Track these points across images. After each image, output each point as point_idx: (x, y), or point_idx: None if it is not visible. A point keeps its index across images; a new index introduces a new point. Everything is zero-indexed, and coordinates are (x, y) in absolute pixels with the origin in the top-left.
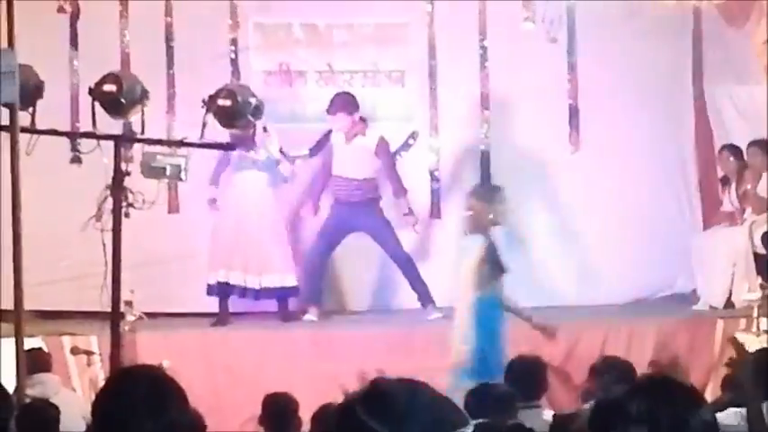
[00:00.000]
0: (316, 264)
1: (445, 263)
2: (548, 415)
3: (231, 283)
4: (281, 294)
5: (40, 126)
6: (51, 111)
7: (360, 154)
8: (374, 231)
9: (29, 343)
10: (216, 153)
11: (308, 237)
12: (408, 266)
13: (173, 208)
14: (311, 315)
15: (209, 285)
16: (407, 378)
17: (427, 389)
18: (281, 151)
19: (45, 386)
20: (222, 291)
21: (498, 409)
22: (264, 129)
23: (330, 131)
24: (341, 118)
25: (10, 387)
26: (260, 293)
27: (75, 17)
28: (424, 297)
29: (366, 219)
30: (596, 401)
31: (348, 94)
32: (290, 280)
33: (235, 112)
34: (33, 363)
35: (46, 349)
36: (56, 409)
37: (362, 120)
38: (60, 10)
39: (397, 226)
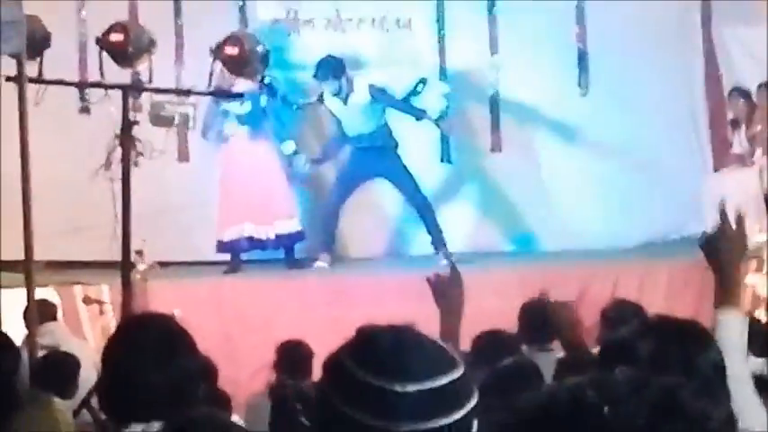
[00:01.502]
0: (330, 210)
1: (456, 208)
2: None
3: (243, 236)
4: (289, 241)
5: (48, 76)
6: (60, 61)
7: (360, 110)
8: (392, 176)
9: (39, 293)
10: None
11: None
12: (426, 211)
13: (183, 157)
14: (323, 262)
15: (219, 242)
16: (396, 324)
17: (418, 334)
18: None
19: (54, 335)
20: (234, 247)
21: (501, 353)
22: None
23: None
24: (330, 83)
25: (16, 338)
26: (270, 243)
27: None
28: (438, 242)
29: (383, 163)
30: (604, 341)
31: (333, 58)
32: (296, 225)
33: (242, 59)
34: (40, 312)
35: (57, 299)
36: (74, 359)
37: (349, 81)
38: None
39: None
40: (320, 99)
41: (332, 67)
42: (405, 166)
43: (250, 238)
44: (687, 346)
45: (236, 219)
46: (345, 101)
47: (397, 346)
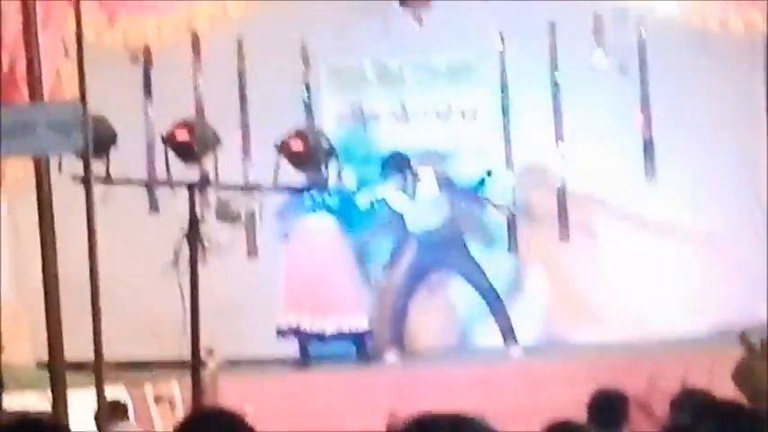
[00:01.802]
0: (400, 305)
1: (524, 299)
2: None
3: (302, 328)
4: (354, 337)
5: (116, 175)
6: (127, 160)
7: (428, 202)
8: (460, 267)
9: (110, 393)
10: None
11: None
12: (496, 302)
13: (252, 253)
14: (392, 356)
15: (278, 329)
16: (455, 412)
17: (473, 421)
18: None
19: None
20: (292, 335)
21: None
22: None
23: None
24: (396, 179)
25: None
26: (331, 338)
27: (148, 66)
28: (507, 334)
29: (451, 255)
30: (667, 426)
31: (399, 153)
32: (363, 323)
33: (307, 154)
34: (111, 412)
35: (128, 399)
36: None
37: (415, 176)
38: (133, 60)
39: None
40: (385, 196)
41: (397, 163)
42: (473, 257)
43: (310, 331)
44: (745, 428)
45: (301, 306)
46: (412, 196)
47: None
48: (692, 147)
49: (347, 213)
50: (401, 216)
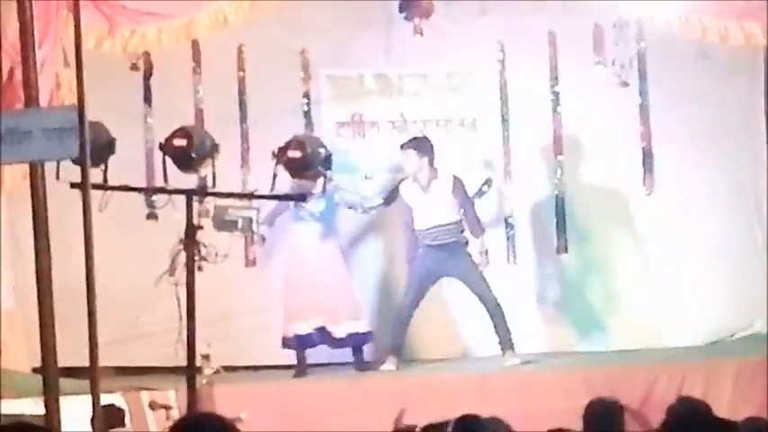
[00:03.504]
0: (404, 313)
1: (520, 309)
2: None
3: (307, 334)
4: (357, 341)
5: (115, 183)
6: (126, 167)
7: (439, 200)
8: (463, 275)
9: (106, 399)
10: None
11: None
12: (496, 310)
13: (249, 262)
14: (390, 365)
15: (284, 339)
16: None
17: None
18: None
19: None
20: (299, 344)
21: None
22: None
23: (402, 179)
24: (410, 155)
25: None
26: (337, 342)
27: (148, 74)
28: (505, 342)
29: (455, 263)
30: None
31: (425, 137)
32: (363, 326)
33: (304, 163)
34: (108, 419)
35: (124, 405)
36: None
37: (434, 168)
38: (133, 67)
39: None
40: (395, 191)
41: (419, 143)
42: (476, 265)
43: (321, 329)
44: None
45: (304, 313)
46: (426, 188)
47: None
48: (691, 158)
49: (341, 220)
50: (411, 212)
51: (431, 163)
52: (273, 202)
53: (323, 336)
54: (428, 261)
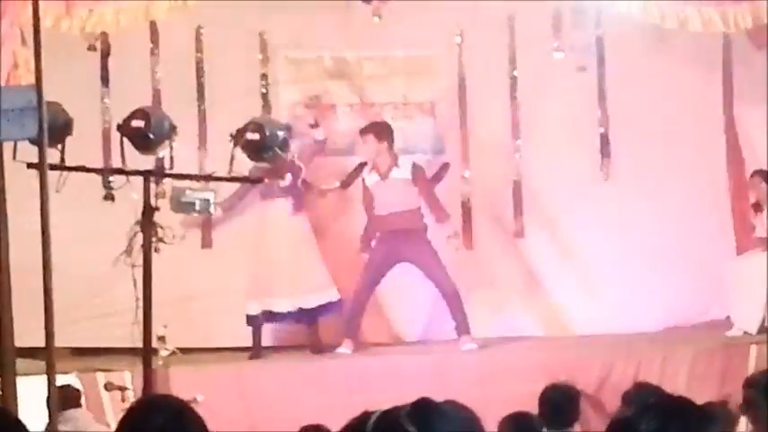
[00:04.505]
0: (361, 298)
1: (477, 294)
2: None
3: (274, 310)
4: (325, 311)
5: (71, 163)
6: (83, 148)
7: (399, 187)
8: (420, 261)
9: (62, 380)
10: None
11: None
12: (453, 297)
13: (206, 243)
14: (345, 348)
15: (248, 316)
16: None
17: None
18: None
19: (77, 422)
20: (264, 320)
21: None
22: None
23: (363, 164)
24: (369, 140)
25: (40, 425)
26: (303, 314)
27: (105, 55)
28: (462, 327)
29: (412, 248)
30: (611, 420)
31: (384, 122)
32: (334, 294)
33: (262, 145)
34: (64, 399)
35: (80, 386)
36: None
37: (393, 153)
38: (91, 48)
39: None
40: (353, 174)
41: (378, 128)
42: (435, 252)
43: (282, 312)
44: (689, 425)
45: (267, 291)
46: (385, 175)
47: (456, 417)
48: (648, 144)
49: (302, 199)
50: (371, 197)
51: (390, 147)
52: (233, 185)
53: (287, 313)
54: (386, 246)
